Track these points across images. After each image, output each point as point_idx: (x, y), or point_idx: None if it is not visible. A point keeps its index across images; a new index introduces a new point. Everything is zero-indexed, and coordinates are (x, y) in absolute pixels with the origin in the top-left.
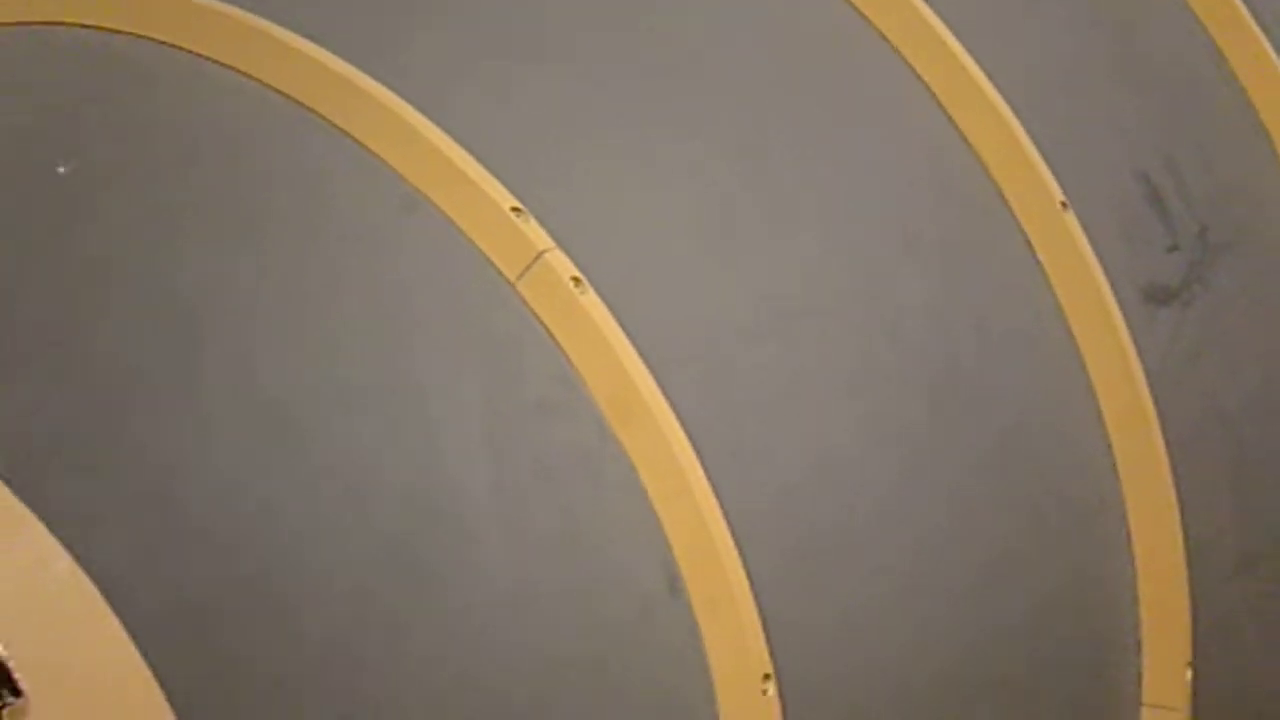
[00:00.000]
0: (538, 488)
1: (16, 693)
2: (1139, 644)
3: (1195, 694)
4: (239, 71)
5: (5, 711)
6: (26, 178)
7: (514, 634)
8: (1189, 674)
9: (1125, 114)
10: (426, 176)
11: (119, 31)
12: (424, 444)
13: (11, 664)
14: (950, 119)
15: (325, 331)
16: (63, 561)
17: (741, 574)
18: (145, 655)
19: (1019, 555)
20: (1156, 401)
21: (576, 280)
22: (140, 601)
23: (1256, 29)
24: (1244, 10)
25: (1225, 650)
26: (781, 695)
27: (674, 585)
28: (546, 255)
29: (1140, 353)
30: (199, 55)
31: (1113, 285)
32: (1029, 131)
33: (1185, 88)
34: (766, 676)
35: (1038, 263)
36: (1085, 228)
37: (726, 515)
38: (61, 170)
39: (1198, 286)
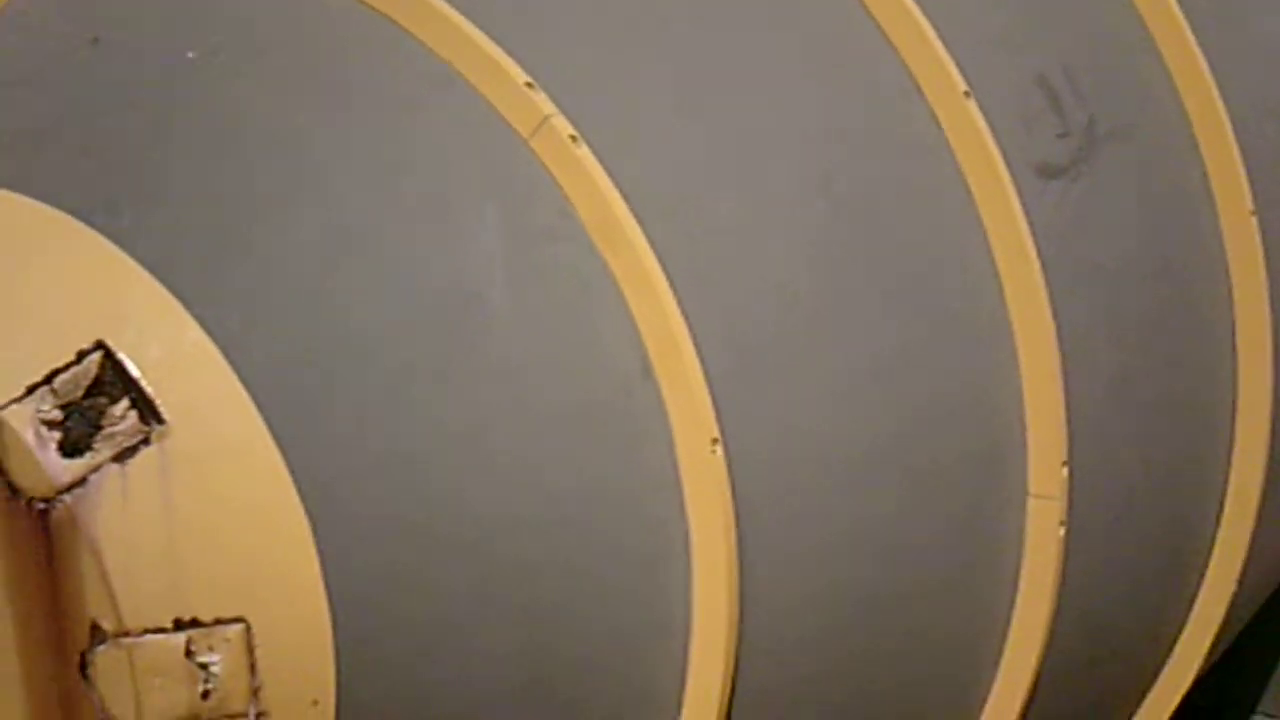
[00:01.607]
0: (542, 292)
1: (160, 420)
2: (1025, 445)
3: (1071, 486)
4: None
5: (154, 434)
6: (173, 61)
7: (526, 397)
8: (1065, 471)
9: (1029, 23)
10: (462, 59)
11: None
12: (460, 253)
13: (157, 398)
14: (876, 22)
15: (389, 171)
16: (195, 331)
17: (696, 364)
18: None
19: (923, 362)
20: (1041, 254)
21: (574, 138)
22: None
23: None
24: None
25: (1095, 452)
26: (727, 455)
27: (646, 370)
28: (551, 119)
29: (1030, 215)
30: None
31: (1007, 160)
32: (942, 36)
33: (1087, 6)
34: (715, 440)
35: (944, 139)
36: (986, 114)
37: (687, 318)
38: (191, 55)
39: (1084, 165)
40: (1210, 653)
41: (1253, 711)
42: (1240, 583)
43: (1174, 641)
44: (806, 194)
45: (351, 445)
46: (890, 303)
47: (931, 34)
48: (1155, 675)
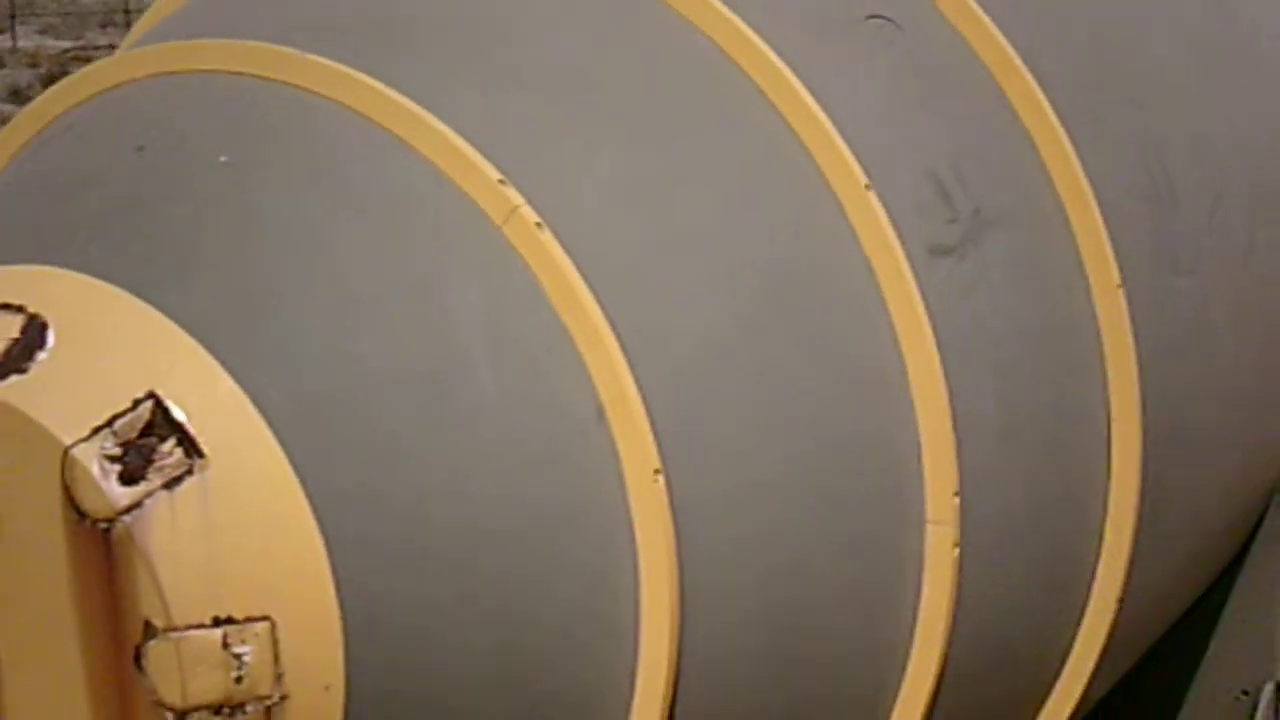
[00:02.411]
0: (514, 351)
1: (201, 454)
2: (921, 479)
3: (962, 514)
4: (326, 98)
5: (195, 467)
6: (207, 162)
7: (500, 437)
8: (956, 501)
9: (921, 125)
10: (447, 161)
11: (252, 75)
12: (448, 320)
13: (198, 437)
14: (790, 126)
15: (390, 252)
16: (228, 383)
17: (641, 408)
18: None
19: (834, 410)
20: (933, 319)
21: (539, 224)
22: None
23: (1024, 69)
24: (1015, 56)
25: (984, 486)
26: (668, 484)
27: (599, 414)
28: (520, 209)
29: (923, 288)
30: (298, 87)
31: (903, 242)
32: (846, 138)
33: (973, 113)
34: (657, 471)
35: (850, 224)
36: (885, 203)
37: (633, 371)
38: (223, 159)
39: (970, 246)
40: (1100, 668)
41: None
42: (1120, 603)
43: (1065, 656)
44: (735, 270)
45: (357, 477)
46: (806, 361)
47: (838, 137)
48: (1050, 688)
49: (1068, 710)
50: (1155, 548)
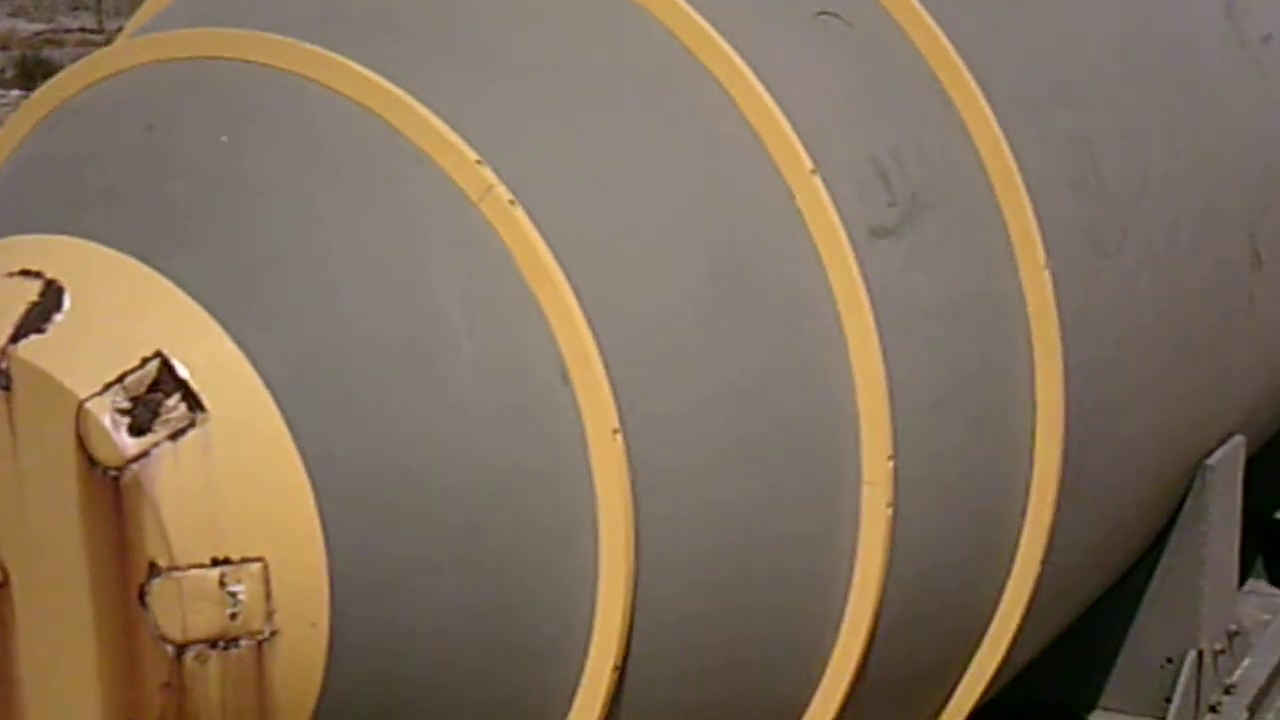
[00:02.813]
0: (487, 316)
1: (203, 409)
2: (859, 442)
3: (896, 476)
4: (319, 84)
5: (198, 420)
6: (209, 142)
7: (474, 396)
8: (891, 464)
9: (864, 114)
10: (429, 143)
11: (251, 62)
12: (429, 287)
13: (200, 393)
14: (743, 115)
15: (377, 225)
16: (228, 344)
17: (602, 372)
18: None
19: (778, 377)
20: (872, 296)
21: (512, 202)
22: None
23: (963, 65)
24: (954, 53)
25: (917, 451)
26: (625, 442)
27: (564, 376)
28: (495, 188)
29: (863, 267)
30: (294, 73)
31: (845, 223)
32: (795, 127)
33: (913, 105)
34: (615, 431)
35: (797, 206)
36: (829, 187)
37: (596, 337)
38: (224, 139)
39: (908, 228)
40: (1024, 624)
41: (1095, 707)
42: (1043, 564)
43: (993, 611)
44: (690, 246)
45: (343, 432)
46: (755, 331)
47: (786, 124)
48: (979, 642)
49: (995, 663)
50: (1077, 514)
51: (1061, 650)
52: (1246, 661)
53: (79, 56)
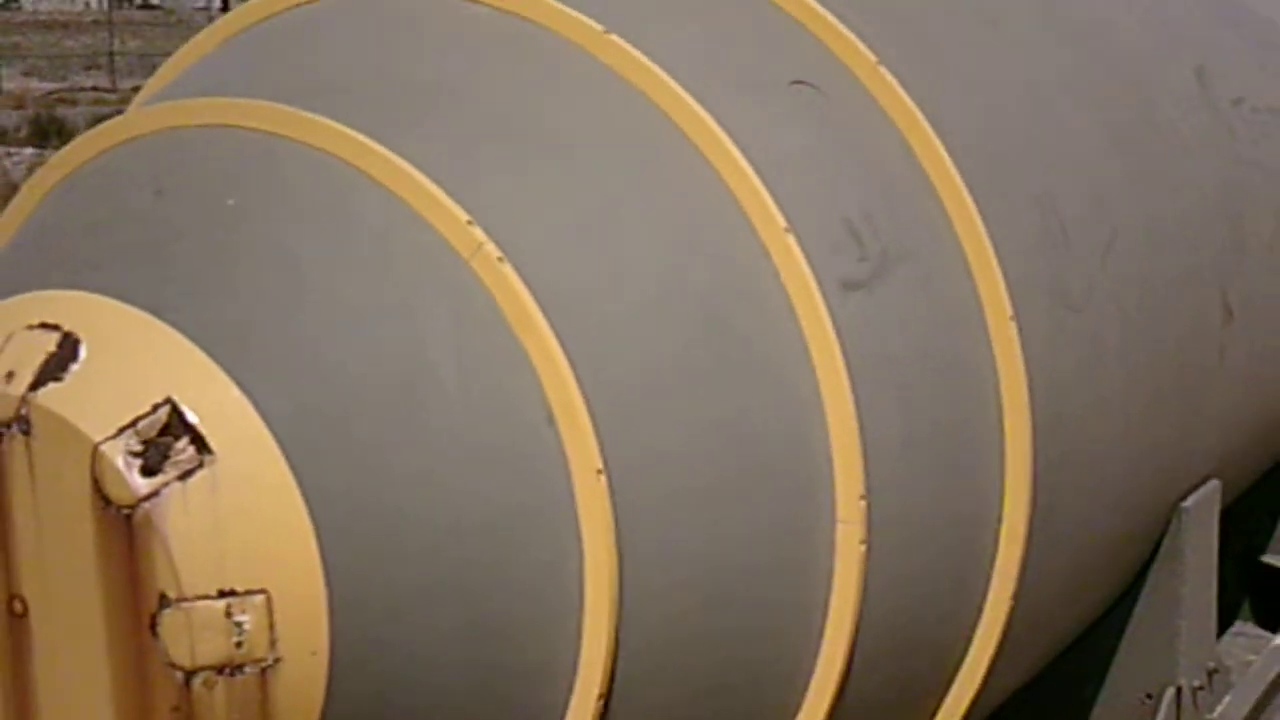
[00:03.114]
0: (478, 365)
1: (210, 452)
2: (832, 483)
3: (869, 515)
4: (321, 150)
5: (205, 462)
6: (216, 205)
7: (465, 438)
8: (863, 503)
9: (835, 176)
10: (422, 204)
11: (256, 130)
12: (422, 338)
13: (208, 437)
14: (720, 176)
15: (373, 281)
16: (234, 391)
17: (586, 415)
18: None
19: (755, 422)
20: (844, 345)
21: (500, 259)
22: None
23: (930, 129)
24: (922, 118)
25: (889, 492)
26: (609, 482)
27: (550, 419)
28: (484, 245)
29: (835, 318)
30: (297, 141)
31: (818, 277)
32: (769, 187)
33: (883, 167)
34: (599, 471)
35: (772, 262)
36: (802, 244)
37: (579, 383)
38: (230, 202)
39: (878, 282)
40: (997, 658)
41: None
42: (1014, 599)
43: (966, 647)
44: (671, 300)
45: (342, 473)
46: (732, 379)
47: (761, 186)
48: (953, 676)
49: (970, 695)
50: (1048, 554)
51: (1043, 686)
52: (1227, 699)
53: (92, 115)
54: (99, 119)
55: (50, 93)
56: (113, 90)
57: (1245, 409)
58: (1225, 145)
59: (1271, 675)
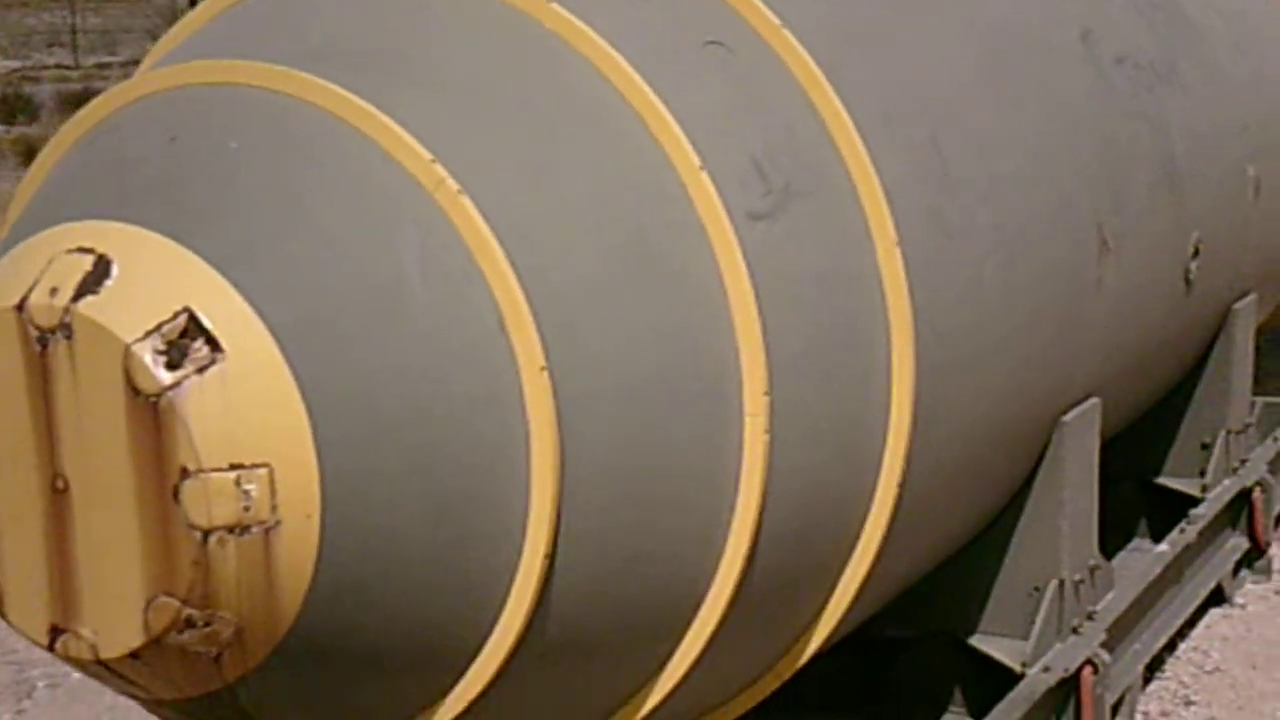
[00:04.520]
0: (440, 279)
1: (221, 350)
2: (741, 382)
3: (771, 410)
4: (308, 102)
5: (218, 359)
6: (221, 148)
7: (432, 341)
8: (767, 399)
9: (742, 120)
10: (393, 146)
11: (255, 86)
12: (394, 256)
13: (220, 339)
14: (642, 120)
15: (353, 210)
16: (239, 301)
17: (532, 322)
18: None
19: (676, 330)
20: (751, 267)
21: (460, 191)
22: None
23: (826, 82)
24: (819, 72)
25: (789, 390)
26: (552, 377)
27: (502, 326)
28: (446, 180)
29: (744, 244)
30: (287, 95)
31: (728, 209)
32: (687, 132)
33: (785, 115)
34: (542, 368)
35: (688, 195)
36: (714, 179)
37: (526, 294)
38: (233, 145)
39: (781, 213)
40: (887, 540)
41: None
42: (901, 487)
43: (860, 527)
44: (604, 225)
45: (330, 366)
46: (655, 293)
47: (679, 131)
48: (850, 552)
49: (862, 573)
50: (932, 451)
51: (945, 583)
52: (1110, 595)
53: (57, 92)
54: (65, 96)
55: (14, 70)
56: (75, 67)
57: (1124, 335)
58: (1106, 99)
59: (1151, 576)
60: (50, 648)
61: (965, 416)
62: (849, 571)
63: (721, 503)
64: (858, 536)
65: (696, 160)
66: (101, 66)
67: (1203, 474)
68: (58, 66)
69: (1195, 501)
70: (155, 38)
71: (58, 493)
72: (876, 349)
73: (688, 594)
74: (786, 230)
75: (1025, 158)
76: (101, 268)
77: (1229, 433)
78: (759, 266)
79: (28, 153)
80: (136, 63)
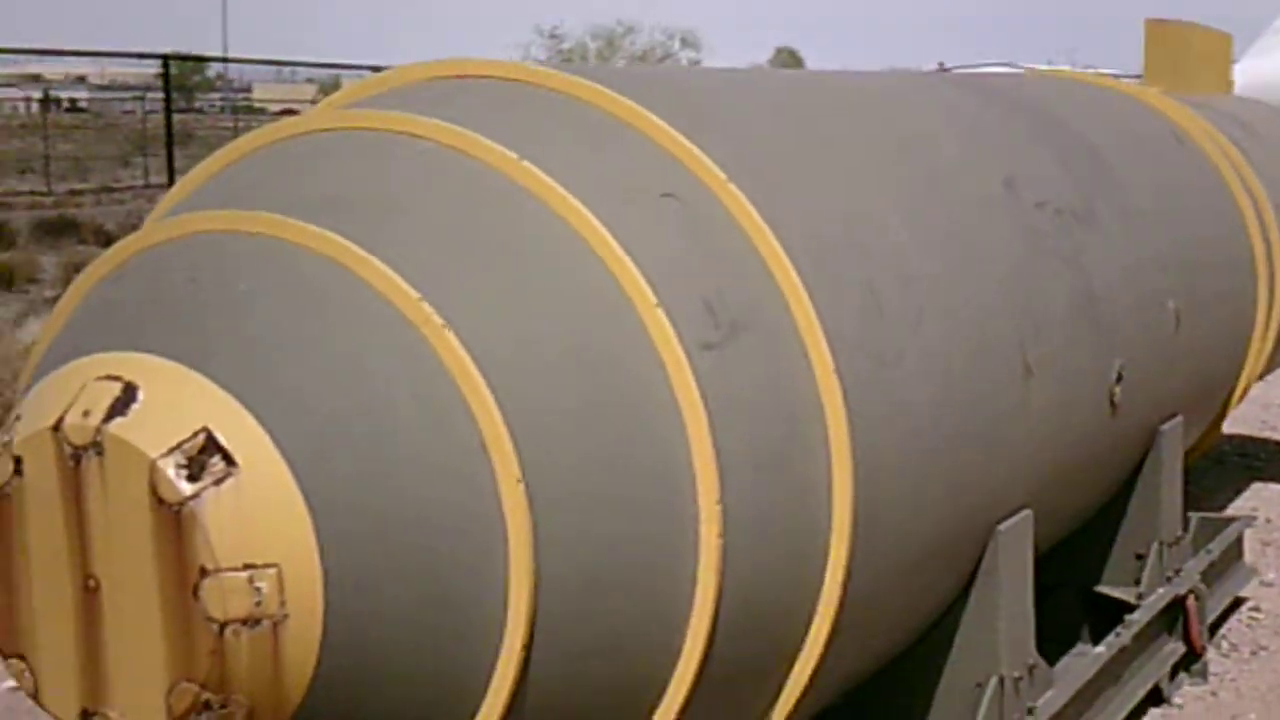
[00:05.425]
0: (429, 408)
1: (235, 465)
2: (696, 491)
3: (724, 517)
4: (310, 250)
5: (233, 472)
6: (234, 289)
7: (418, 462)
8: (719, 507)
9: (698, 269)
10: (388, 289)
11: (262, 234)
12: (384, 387)
13: (233, 454)
14: (604, 264)
15: (348, 347)
16: (251, 420)
17: (509, 441)
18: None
19: (635, 451)
20: (702, 391)
21: (444, 326)
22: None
23: (769, 232)
24: (764, 223)
25: (740, 498)
26: (527, 489)
27: (483, 446)
28: (431, 317)
29: (696, 371)
30: (292, 242)
31: (681, 340)
32: (644, 272)
33: (732, 259)
34: (519, 479)
35: (645, 327)
36: (669, 314)
37: (504, 415)
38: (243, 287)
39: (729, 344)
40: (832, 638)
41: None
42: (844, 589)
43: (808, 627)
44: (571, 355)
45: (331, 480)
46: (617, 414)
47: (637, 272)
48: (799, 648)
49: (810, 668)
50: (873, 557)
51: (896, 679)
52: (1049, 693)
53: (31, 218)
54: (39, 222)
55: None
56: (48, 193)
57: (1053, 452)
58: (1027, 240)
59: (1088, 675)
60: None
61: (903, 525)
62: (799, 664)
63: (681, 599)
64: (807, 631)
65: (653, 298)
66: (74, 193)
67: (1138, 582)
68: (31, 193)
69: (1131, 608)
70: (126, 164)
71: (89, 591)
72: (818, 464)
73: (653, 681)
74: (734, 359)
75: (951, 294)
76: (129, 393)
77: (1161, 544)
78: (710, 389)
79: (8, 279)
80: (108, 189)
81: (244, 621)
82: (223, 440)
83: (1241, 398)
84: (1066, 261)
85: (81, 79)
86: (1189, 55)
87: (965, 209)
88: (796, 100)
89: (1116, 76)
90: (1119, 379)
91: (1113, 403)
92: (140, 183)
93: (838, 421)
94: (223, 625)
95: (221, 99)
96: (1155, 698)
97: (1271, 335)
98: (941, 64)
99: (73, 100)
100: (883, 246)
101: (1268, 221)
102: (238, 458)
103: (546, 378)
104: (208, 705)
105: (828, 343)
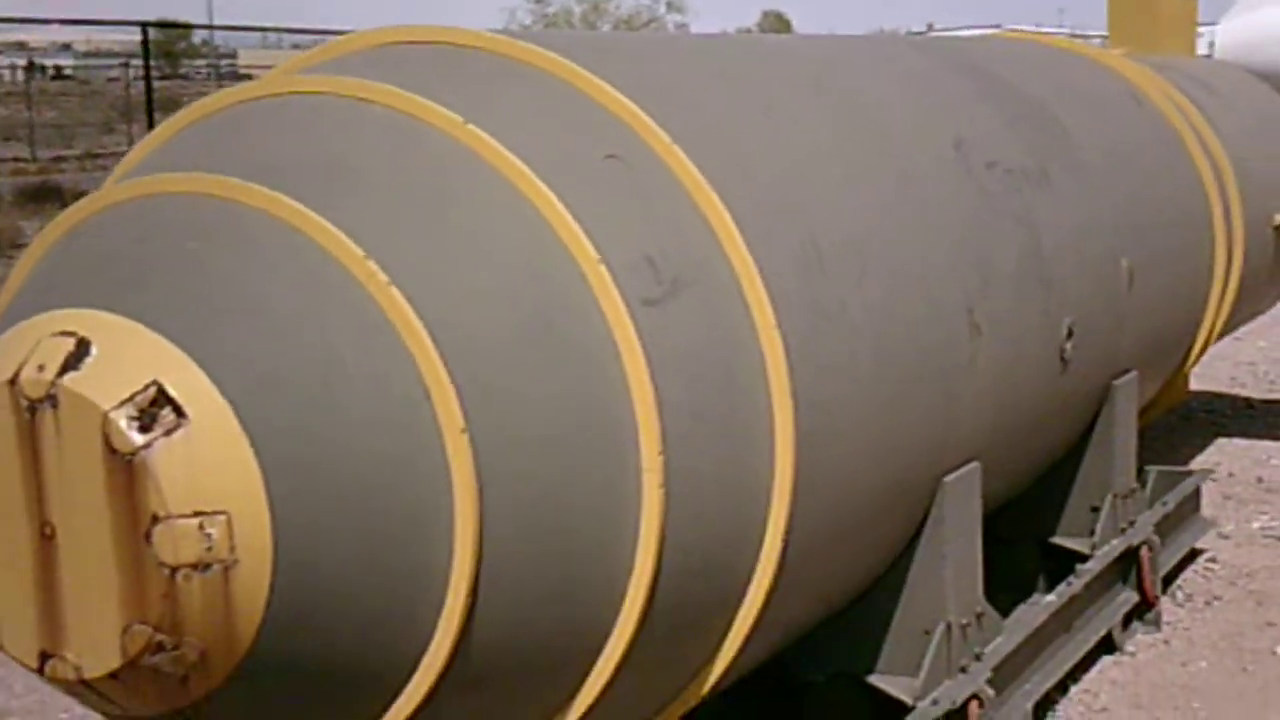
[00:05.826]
0: (372, 356)
1: (185, 416)
2: (638, 444)
3: (666, 467)
4: (258, 210)
5: (182, 423)
6: (182, 248)
7: (365, 412)
8: (661, 458)
9: (641, 227)
10: (335, 248)
11: (212, 195)
12: (332, 336)
13: (184, 406)
14: (549, 223)
15: (301, 300)
16: (200, 374)
17: (452, 390)
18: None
19: (581, 398)
20: (645, 346)
21: (388, 283)
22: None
23: (711, 190)
24: (705, 182)
25: (681, 449)
26: (471, 439)
27: (426, 394)
28: (377, 273)
29: (639, 326)
30: (239, 202)
31: (624, 296)
32: (586, 229)
33: (675, 217)
34: (463, 430)
35: (589, 284)
36: (612, 272)
37: (447, 366)
38: (191, 245)
39: (671, 300)
40: (775, 585)
41: (873, 671)
42: (786, 539)
43: (751, 574)
44: (515, 309)
45: (278, 429)
46: (560, 367)
47: (580, 231)
48: (741, 595)
49: (752, 617)
50: (817, 507)
51: (847, 627)
52: (998, 640)
53: (15, 185)
54: (23, 188)
55: None
56: (33, 160)
57: (1001, 404)
58: (976, 200)
59: (1038, 623)
60: (40, 671)
61: (846, 476)
62: (742, 612)
63: (624, 548)
64: (749, 580)
65: (596, 255)
66: (58, 159)
67: (1092, 534)
68: (15, 159)
69: (1085, 558)
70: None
71: (46, 538)
72: (760, 418)
73: (596, 627)
74: (676, 314)
75: (897, 252)
76: (82, 348)
77: (1115, 496)
78: (652, 344)
79: None
80: (92, 155)
81: (195, 566)
82: (173, 393)
83: (1200, 354)
84: (1017, 221)
85: (66, 46)
86: (1154, 19)
87: (914, 170)
88: (747, 66)
89: (1104, 38)
90: (1069, 335)
91: (1063, 359)
92: (124, 149)
93: (779, 374)
94: (174, 570)
95: (207, 65)
96: (1109, 646)
97: (1231, 292)
98: (930, 25)
99: (58, 67)
100: (826, 206)
101: (1226, 182)
102: (188, 410)
103: (490, 333)
104: (161, 646)
105: (769, 298)
